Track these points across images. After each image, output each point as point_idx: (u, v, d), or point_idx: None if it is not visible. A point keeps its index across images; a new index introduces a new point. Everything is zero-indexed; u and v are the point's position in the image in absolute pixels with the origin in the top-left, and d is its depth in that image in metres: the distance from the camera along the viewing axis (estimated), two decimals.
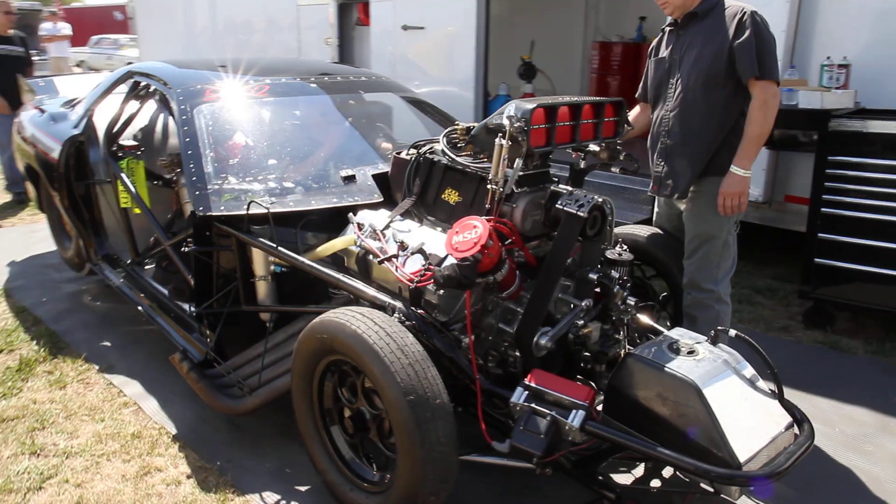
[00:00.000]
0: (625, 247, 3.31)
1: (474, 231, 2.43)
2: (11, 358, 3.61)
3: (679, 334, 2.55)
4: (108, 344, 3.79)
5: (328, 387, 2.54)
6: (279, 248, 2.85)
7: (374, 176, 3.21)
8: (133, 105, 3.97)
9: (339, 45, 7.75)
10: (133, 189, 3.60)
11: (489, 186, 2.56)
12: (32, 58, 7.16)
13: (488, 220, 2.52)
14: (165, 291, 3.52)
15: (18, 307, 4.26)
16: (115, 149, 3.87)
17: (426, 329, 2.49)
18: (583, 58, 9.14)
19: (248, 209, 2.89)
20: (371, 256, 2.75)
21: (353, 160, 3.36)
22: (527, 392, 2.35)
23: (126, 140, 3.90)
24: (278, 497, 2.60)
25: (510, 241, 2.62)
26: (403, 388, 2.14)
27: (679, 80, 2.95)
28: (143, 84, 3.87)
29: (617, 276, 2.72)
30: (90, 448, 2.88)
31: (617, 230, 3.46)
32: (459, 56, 6.39)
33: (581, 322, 2.58)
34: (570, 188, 2.65)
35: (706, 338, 2.52)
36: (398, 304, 2.54)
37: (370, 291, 2.62)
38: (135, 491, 2.62)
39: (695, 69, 2.89)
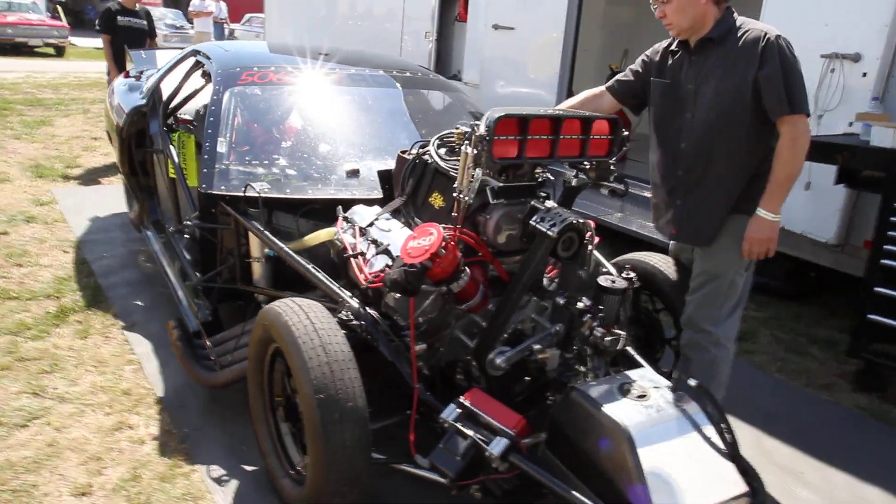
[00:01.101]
0: (632, 274, 3.14)
1: (428, 238, 2.38)
2: (53, 304, 3.94)
3: (639, 375, 2.38)
4: (139, 303, 4.05)
5: (277, 373, 2.58)
6: (265, 231, 2.92)
7: (384, 172, 3.20)
8: (192, 82, 4.18)
9: (437, 39, 7.80)
10: (177, 160, 3.81)
11: (454, 195, 2.49)
12: (155, 30, 7.72)
13: (450, 230, 2.45)
14: (188, 261, 3.70)
15: (80, 259, 4.64)
16: (171, 122, 4.11)
17: (372, 331, 2.46)
18: None
19: (244, 191, 2.98)
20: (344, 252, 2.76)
21: (366, 154, 3.38)
22: (459, 410, 2.29)
23: (184, 114, 4.13)
24: (223, 472, 2.67)
25: (479, 253, 2.55)
26: (315, 385, 2.13)
27: (696, 116, 2.67)
28: (201, 63, 4.07)
29: (587, 303, 2.56)
30: (82, 397, 3.09)
31: (629, 256, 3.29)
32: (545, 60, 6.24)
33: (538, 347, 2.46)
34: (549, 205, 2.52)
35: (670, 383, 2.33)
36: (353, 303, 2.54)
37: (330, 286, 2.63)
38: (101, 443, 2.79)
39: (715, 105, 2.61)
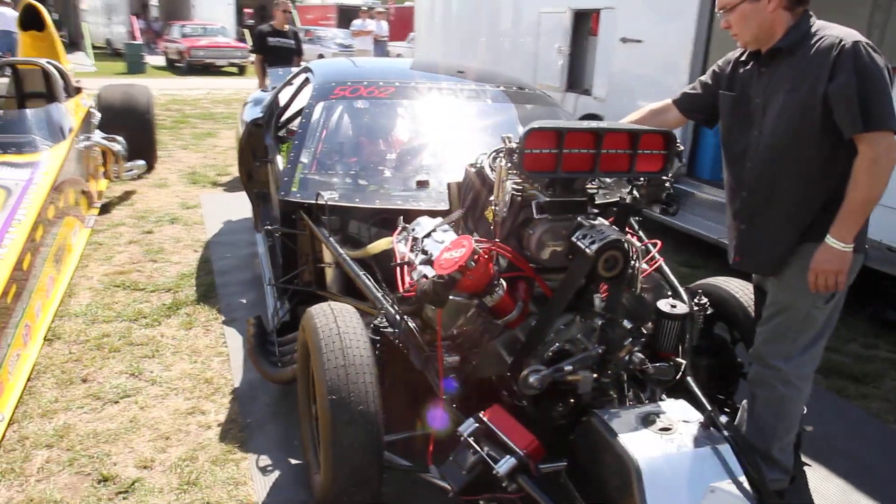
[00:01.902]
0: (703, 300, 2.94)
1: (459, 251, 2.38)
2: (170, 297, 4.35)
3: (673, 407, 2.22)
4: (243, 301, 4.37)
5: None
6: (329, 237, 3.05)
7: (453, 184, 3.24)
8: (302, 97, 4.46)
9: (570, 53, 7.70)
10: (280, 169, 4.08)
11: (491, 208, 2.47)
12: (302, 49, 8.30)
13: (485, 243, 2.44)
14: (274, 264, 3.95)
15: (205, 258, 5.09)
16: (282, 133, 4.42)
17: (403, 339, 2.50)
18: None
19: (316, 199, 3.14)
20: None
21: (442, 166, 3.42)
22: (476, 425, 2.26)
23: (293, 127, 4.42)
24: (269, 463, 2.82)
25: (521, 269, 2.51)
26: (329, 386, 2.20)
27: (763, 133, 2.42)
28: (309, 79, 4.34)
29: (629, 326, 2.42)
30: (171, 381, 3.39)
31: (706, 280, 3.07)
32: (673, 73, 5.96)
33: (569, 368, 2.37)
34: (595, 222, 2.42)
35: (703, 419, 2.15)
36: (390, 310, 2.59)
37: (374, 293, 2.69)
38: (173, 424, 3.05)
39: (781, 122, 2.35)
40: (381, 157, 3.54)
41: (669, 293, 2.91)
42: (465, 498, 2.17)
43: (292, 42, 7.93)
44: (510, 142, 2.31)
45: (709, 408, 2.50)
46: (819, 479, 2.93)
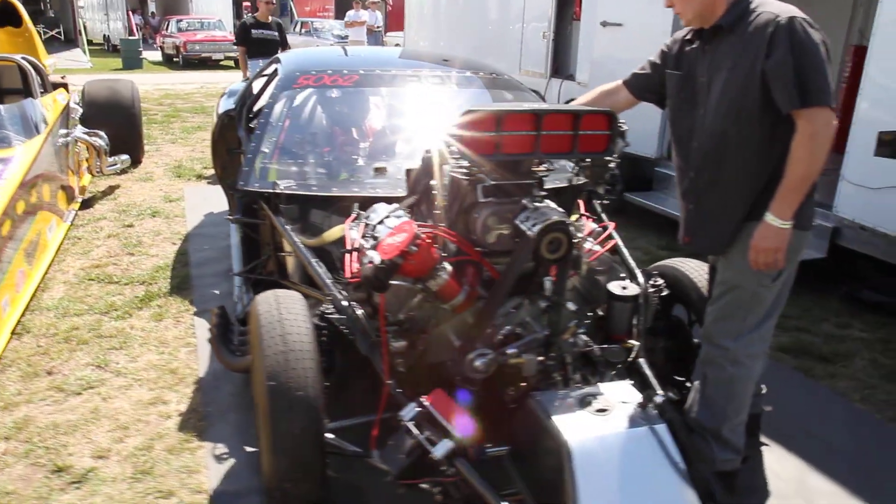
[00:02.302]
0: (659, 281, 2.93)
1: (401, 235, 2.38)
2: (144, 289, 4.37)
3: (612, 389, 2.21)
4: (217, 292, 4.38)
5: None
6: (285, 226, 3.05)
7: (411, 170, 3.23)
8: (270, 87, 4.45)
9: (554, 39, 7.65)
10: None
11: (433, 192, 2.46)
12: (287, 41, 8.27)
13: (428, 227, 2.43)
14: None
15: (183, 250, 5.10)
16: (252, 125, 4.41)
17: (349, 325, 2.50)
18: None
19: (273, 189, 3.14)
20: None
21: (402, 153, 3.41)
22: (417, 410, 2.26)
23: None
24: (225, 451, 2.83)
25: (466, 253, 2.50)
26: (268, 373, 2.21)
27: (707, 112, 2.41)
28: (278, 69, 4.33)
29: (573, 308, 2.42)
30: (136, 372, 3.41)
31: (665, 262, 3.06)
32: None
33: (512, 351, 2.36)
34: (541, 204, 2.41)
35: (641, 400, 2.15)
36: (337, 296, 2.59)
37: (323, 280, 2.69)
38: (134, 414, 3.06)
39: (723, 100, 2.34)
40: (342, 145, 3.54)
41: (623, 275, 2.91)
42: (405, 482, 2.17)
43: (276, 34, 7.90)
44: (446, 126, 2.30)
45: (658, 390, 2.50)
46: (776, 458, 2.92)
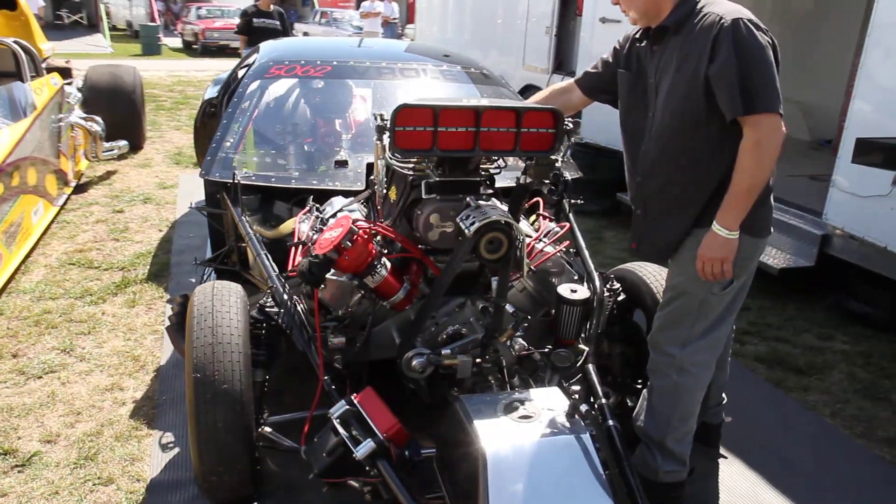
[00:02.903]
0: (616, 285, 2.88)
1: (337, 230, 2.35)
2: (122, 275, 4.39)
3: (541, 394, 2.17)
4: (192, 280, 4.39)
5: None
6: (242, 217, 3.04)
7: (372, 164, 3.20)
8: None
9: (557, 34, 7.56)
10: None
11: (373, 188, 2.43)
12: (289, 31, 8.27)
13: (364, 223, 2.41)
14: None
15: (167, 237, 5.13)
16: None
17: (286, 319, 2.48)
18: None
19: (233, 180, 3.13)
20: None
21: (366, 147, 3.39)
22: (346, 408, 2.24)
23: None
24: (172, 440, 2.84)
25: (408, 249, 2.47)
26: (195, 364, 2.20)
27: (655, 116, 2.34)
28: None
29: (511, 310, 2.38)
30: (99, 358, 3.43)
31: (623, 266, 3.00)
32: None
33: (446, 352, 2.33)
34: (485, 203, 2.37)
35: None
36: (278, 289, 2.57)
37: (269, 272, 2.68)
38: (89, 400, 3.08)
39: (669, 104, 2.27)
40: (306, 137, 3.52)
41: (576, 277, 2.86)
42: (327, 480, 2.15)
43: (277, 23, 7.91)
44: (382, 120, 2.27)
45: (601, 397, 2.46)
46: (732, 472, 2.86)
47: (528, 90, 8.20)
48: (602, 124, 6.25)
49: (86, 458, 2.69)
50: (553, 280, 2.85)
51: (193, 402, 2.18)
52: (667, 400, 2.50)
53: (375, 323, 2.57)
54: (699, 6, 2.22)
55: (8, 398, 3.07)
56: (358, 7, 27.64)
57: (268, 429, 2.48)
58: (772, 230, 2.41)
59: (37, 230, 4.70)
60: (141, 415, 2.99)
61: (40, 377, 3.24)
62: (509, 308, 2.40)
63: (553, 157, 2.39)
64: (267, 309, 2.51)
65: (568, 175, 3.52)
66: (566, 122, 2.37)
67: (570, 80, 2.75)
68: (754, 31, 2.11)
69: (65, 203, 5.60)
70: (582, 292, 2.68)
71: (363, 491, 2.18)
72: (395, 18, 16.92)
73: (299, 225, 2.82)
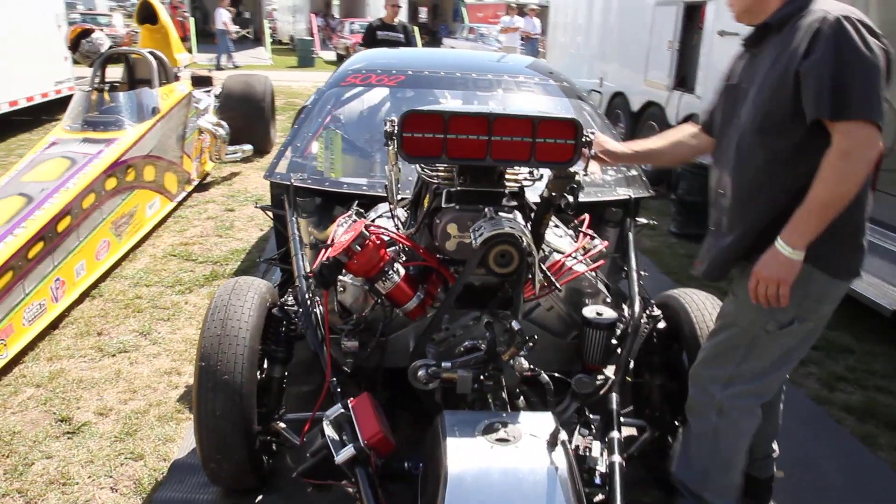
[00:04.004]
0: (657, 311, 2.69)
1: (350, 234, 2.37)
2: (212, 269, 4.69)
3: (530, 418, 2.06)
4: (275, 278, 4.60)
5: None
6: (293, 218, 3.14)
7: None
8: None
9: (679, 49, 7.21)
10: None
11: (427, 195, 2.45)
12: (413, 42, 8.47)
13: (372, 227, 2.40)
14: None
15: (266, 236, 5.41)
16: None
17: (302, 319, 2.53)
18: None
19: (291, 182, 3.25)
20: None
21: None
22: (341, 411, 2.24)
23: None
24: None
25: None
26: (202, 353, 2.30)
27: (738, 120, 2.11)
28: None
29: (516, 327, 2.28)
30: (168, 343, 3.68)
31: (674, 291, 2.78)
32: None
33: (446, 365, 2.28)
34: (505, 214, 2.29)
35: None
36: (302, 288, 2.63)
37: (298, 272, 2.75)
38: (147, 380, 3.31)
39: (754, 104, 2.03)
40: (366, 143, 3.58)
41: (609, 299, 2.69)
42: (308, 480, 2.16)
43: (401, 35, 8.12)
44: (392, 125, 2.25)
45: (616, 432, 2.30)
46: None
47: (648, 107, 7.89)
48: None
49: (127, 434, 2.89)
50: (586, 301, 2.71)
51: (196, 390, 2.28)
52: (705, 446, 2.26)
53: (393, 330, 2.56)
54: (809, 6, 1.96)
55: (82, 371, 3.36)
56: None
57: (282, 424, 2.55)
58: (861, 274, 2.09)
59: (150, 223, 5.13)
60: (187, 399, 3.17)
61: (114, 355, 3.53)
62: (515, 325, 2.30)
63: (573, 169, 2.27)
64: (287, 308, 2.58)
65: (632, 194, 3.34)
66: (587, 134, 2.24)
67: (691, 125, 2.52)
68: (864, 31, 1.83)
69: (185, 199, 6.08)
70: (608, 315, 2.52)
71: (352, 493, 2.17)
72: (536, 34, 16.87)
73: (337, 228, 2.87)
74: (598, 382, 2.54)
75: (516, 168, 2.45)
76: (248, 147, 7.29)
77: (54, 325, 3.76)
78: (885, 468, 2.99)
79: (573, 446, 2.33)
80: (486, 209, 2.32)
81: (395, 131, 2.20)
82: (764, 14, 2.04)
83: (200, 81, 7.95)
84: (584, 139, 2.23)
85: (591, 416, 2.50)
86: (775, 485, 2.60)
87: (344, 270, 2.34)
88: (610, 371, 2.66)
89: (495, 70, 3.93)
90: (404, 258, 2.49)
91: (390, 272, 2.37)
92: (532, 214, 2.45)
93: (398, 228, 2.58)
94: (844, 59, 1.81)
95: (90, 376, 3.32)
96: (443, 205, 2.40)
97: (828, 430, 3.24)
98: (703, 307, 2.59)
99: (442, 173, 2.49)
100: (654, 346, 2.70)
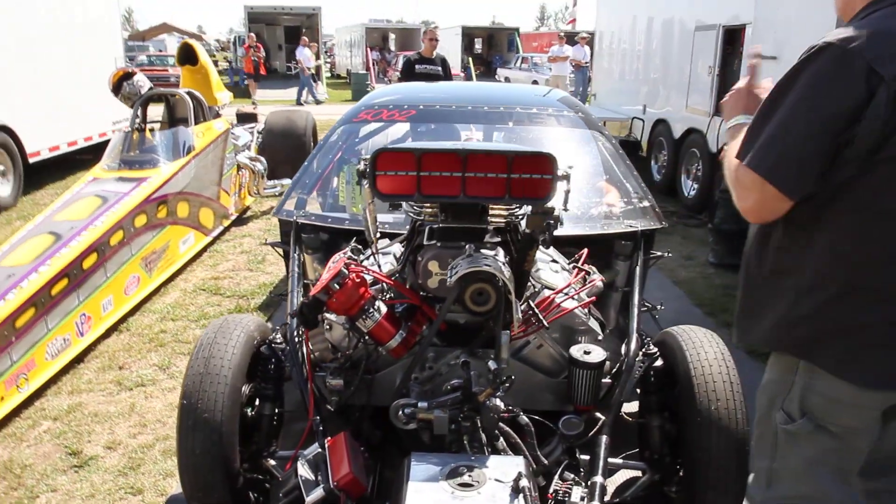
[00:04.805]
0: (653, 349, 2.60)
1: (330, 272, 2.39)
2: (238, 303, 4.78)
3: (499, 463, 2.01)
4: None
5: None
6: (294, 254, 3.18)
7: None
8: None
9: (720, 75, 7.04)
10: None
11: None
12: (451, 75, 8.56)
13: (353, 266, 2.40)
14: None
15: None
16: None
17: (289, 356, 2.54)
18: None
19: (295, 219, 3.30)
20: None
21: None
22: (318, 451, 2.24)
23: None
24: None
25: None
26: (183, 391, 2.33)
27: None
28: None
29: (493, 367, 2.23)
30: None
31: (674, 328, 2.67)
32: None
33: (423, 405, 2.25)
34: (487, 252, 2.27)
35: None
36: (291, 326, 2.65)
37: (290, 309, 2.77)
38: (159, 414, 3.39)
39: None
40: None
41: (600, 337, 2.61)
42: None
43: (439, 69, 8.21)
44: (364, 164, 2.26)
45: (599, 477, 2.21)
46: None
47: (690, 134, 7.72)
48: None
49: (130, 468, 2.94)
50: (578, 338, 2.64)
51: (178, 428, 2.31)
52: None
53: (380, 368, 2.55)
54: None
55: (98, 405, 3.46)
56: None
57: (272, 462, 2.55)
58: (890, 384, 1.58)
59: (183, 258, 5.29)
60: None
61: (131, 389, 3.62)
62: (491, 365, 2.25)
63: (549, 205, 2.22)
64: (274, 345, 2.60)
65: (641, 226, 3.25)
66: (565, 170, 2.20)
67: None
68: (838, 62, 1.47)
69: (222, 233, 6.24)
70: (596, 354, 2.44)
71: None
72: (586, 62, 16.79)
73: (331, 265, 2.88)
74: (587, 423, 2.46)
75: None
76: (287, 181, 7.43)
77: (80, 358, 3.90)
78: None
79: (551, 490, 2.27)
80: (468, 246, 2.30)
81: (368, 170, 2.21)
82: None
83: (245, 118, 8.24)
84: (558, 174, 2.18)
85: (584, 457, 2.43)
86: None
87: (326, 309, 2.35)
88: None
89: (509, 102, 3.92)
90: (390, 296, 2.48)
91: (371, 310, 2.36)
92: (514, 251, 2.41)
93: (379, 267, 2.58)
94: (782, 100, 1.54)
95: (105, 410, 3.41)
96: (424, 242, 2.40)
97: None
98: (699, 345, 2.48)
99: (428, 210, 2.49)
100: (651, 386, 2.60)
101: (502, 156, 2.17)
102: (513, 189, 2.19)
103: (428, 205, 2.50)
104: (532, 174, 2.19)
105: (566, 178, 2.22)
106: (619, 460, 2.59)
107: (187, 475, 2.30)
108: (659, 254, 3.46)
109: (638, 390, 2.68)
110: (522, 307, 2.45)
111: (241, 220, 6.84)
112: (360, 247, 3.01)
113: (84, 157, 8.79)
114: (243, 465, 2.41)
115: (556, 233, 2.25)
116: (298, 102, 19.20)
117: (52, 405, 3.45)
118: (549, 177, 2.19)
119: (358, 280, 2.36)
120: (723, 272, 5.70)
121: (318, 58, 23.10)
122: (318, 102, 19.56)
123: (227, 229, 6.41)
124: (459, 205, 2.36)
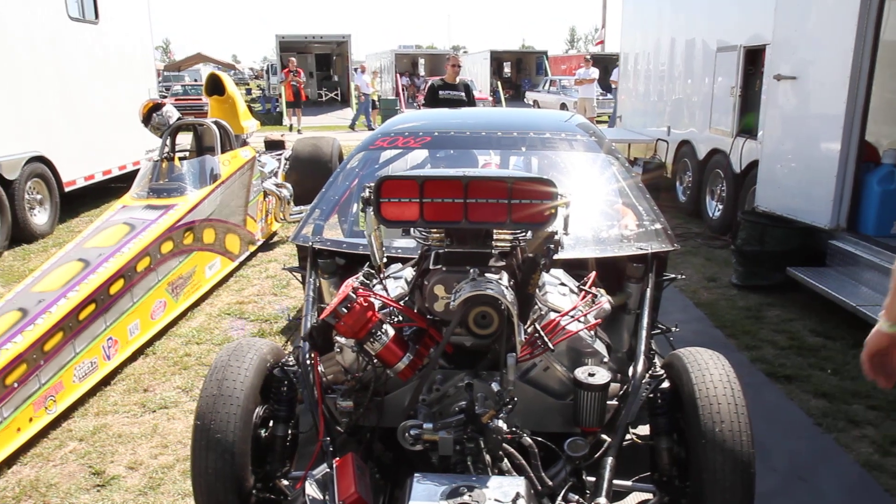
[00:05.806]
0: (660, 371, 2.61)
1: (338, 296, 2.45)
2: (261, 326, 4.88)
3: (499, 483, 2.05)
4: None
5: None
6: (309, 279, 3.26)
7: None
8: None
9: (742, 95, 7.02)
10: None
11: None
12: (474, 100, 8.66)
13: (361, 290, 2.46)
14: None
15: None
16: None
17: (300, 378, 2.61)
18: None
19: (311, 245, 3.38)
20: None
21: None
22: (326, 471, 2.29)
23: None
24: None
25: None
26: (198, 413, 2.40)
27: None
28: None
29: (496, 388, 2.27)
30: None
31: (682, 350, 2.68)
32: (825, 115, 5.17)
33: (428, 426, 2.29)
34: (491, 276, 2.32)
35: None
36: (304, 349, 2.71)
37: (303, 332, 2.84)
38: (181, 435, 3.47)
39: None
40: None
41: (606, 359, 2.62)
42: None
43: (462, 94, 8.33)
44: (369, 191, 2.33)
45: (602, 499, 2.22)
46: None
47: (713, 154, 7.69)
48: (776, 190, 5.66)
49: (150, 488, 3.02)
50: (585, 360, 2.65)
51: (192, 449, 2.38)
52: None
53: (390, 390, 2.60)
54: None
55: (123, 426, 3.56)
56: None
57: (285, 482, 2.61)
58: None
59: (209, 283, 5.42)
60: None
61: (155, 411, 3.72)
62: (494, 387, 2.29)
63: (549, 229, 2.27)
64: (287, 368, 2.66)
65: (651, 249, 3.26)
66: (562, 195, 2.25)
67: None
68: None
69: (248, 259, 6.38)
70: (601, 376, 2.46)
71: None
72: (613, 83, 16.82)
73: (345, 289, 2.95)
74: (593, 445, 2.47)
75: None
76: None
77: (107, 381, 4.01)
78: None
79: None
80: (472, 270, 2.35)
81: (372, 197, 2.28)
82: None
83: (273, 145, 8.43)
84: (557, 199, 2.23)
85: (590, 479, 2.44)
86: None
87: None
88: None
89: (522, 128, 3.98)
90: (398, 319, 2.54)
91: (378, 333, 2.41)
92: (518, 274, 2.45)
93: (387, 291, 2.64)
94: None
95: (129, 431, 3.51)
96: (431, 266, 2.45)
97: (875, 500, 2.98)
98: (705, 367, 2.48)
99: (435, 234, 2.55)
100: (658, 408, 2.60)
101: (503, 182, 2.23)
102: (514, 214, 2.25)
103: (434, 230, 2.55)
104: (532, 199, 2.25)
105: (566, 203, 2.27)
106: (628, 482, 2.59)
107: (201, 494, 2.37)
108: (672, 276, 3.46)
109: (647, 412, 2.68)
110: (528, 330, 2.49)
111: (267, 246, 6.99)
112: (372, 271, 3.09)
113: (118, 186, 9.05)
114: (256, 485, 2.47)
115: (566, 255, 2.30)
116: (352, 126, 19.57)
117: (79, 426, 3.56)
118: (550, 201, 2.24)
119: (366, 304, 2.42)
120: (746, 294, 5.65)
121: (344, 83, 23.55)
122: (370, 129, 19.84)
123: (253, 254, 6.55)
124: (463, 230, 2.42)
